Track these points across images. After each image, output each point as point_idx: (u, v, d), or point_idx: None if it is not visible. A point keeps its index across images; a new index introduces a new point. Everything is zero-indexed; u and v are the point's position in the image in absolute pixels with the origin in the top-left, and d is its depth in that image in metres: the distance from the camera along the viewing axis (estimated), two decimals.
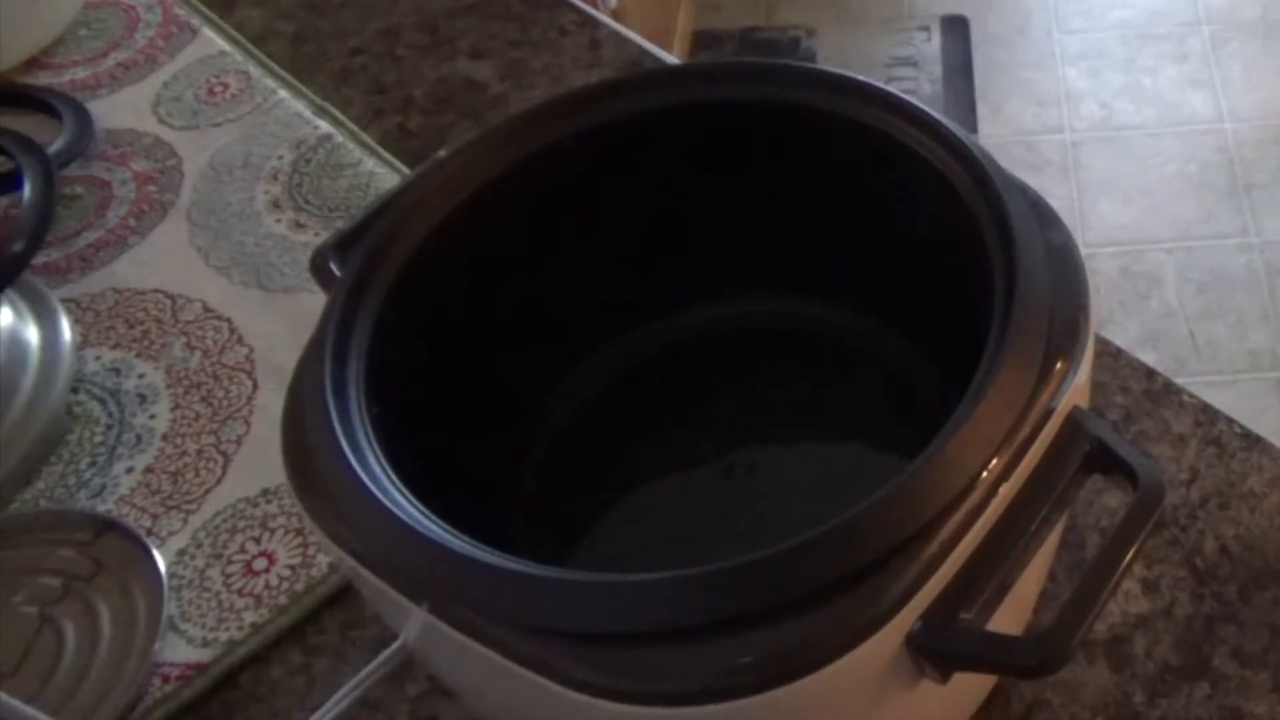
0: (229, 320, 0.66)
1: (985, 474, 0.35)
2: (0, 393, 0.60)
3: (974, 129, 2.11)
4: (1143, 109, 2.11)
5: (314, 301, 0.43)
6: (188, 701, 0.52)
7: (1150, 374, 0.60)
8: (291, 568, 0.56)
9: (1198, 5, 2.29)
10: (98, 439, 0.61)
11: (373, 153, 0.74)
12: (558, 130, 0.47)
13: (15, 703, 0.43)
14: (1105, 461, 0.38)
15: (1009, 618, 0.41)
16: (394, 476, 0.38)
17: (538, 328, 0.51)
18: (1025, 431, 0.36)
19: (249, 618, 0.54)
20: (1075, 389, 0.38)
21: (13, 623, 0.53)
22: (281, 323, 0.66)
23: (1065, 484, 0.38)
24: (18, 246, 0.64)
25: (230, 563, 0.56)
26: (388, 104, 0.79)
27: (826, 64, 2.19)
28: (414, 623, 0.37)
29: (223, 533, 0.57)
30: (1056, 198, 0.50)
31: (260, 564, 0.56)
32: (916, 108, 0.44)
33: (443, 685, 0.50)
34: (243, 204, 0.72)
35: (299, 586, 0.55)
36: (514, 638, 0.34)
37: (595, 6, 0.88)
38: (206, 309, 0.67)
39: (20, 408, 0.61)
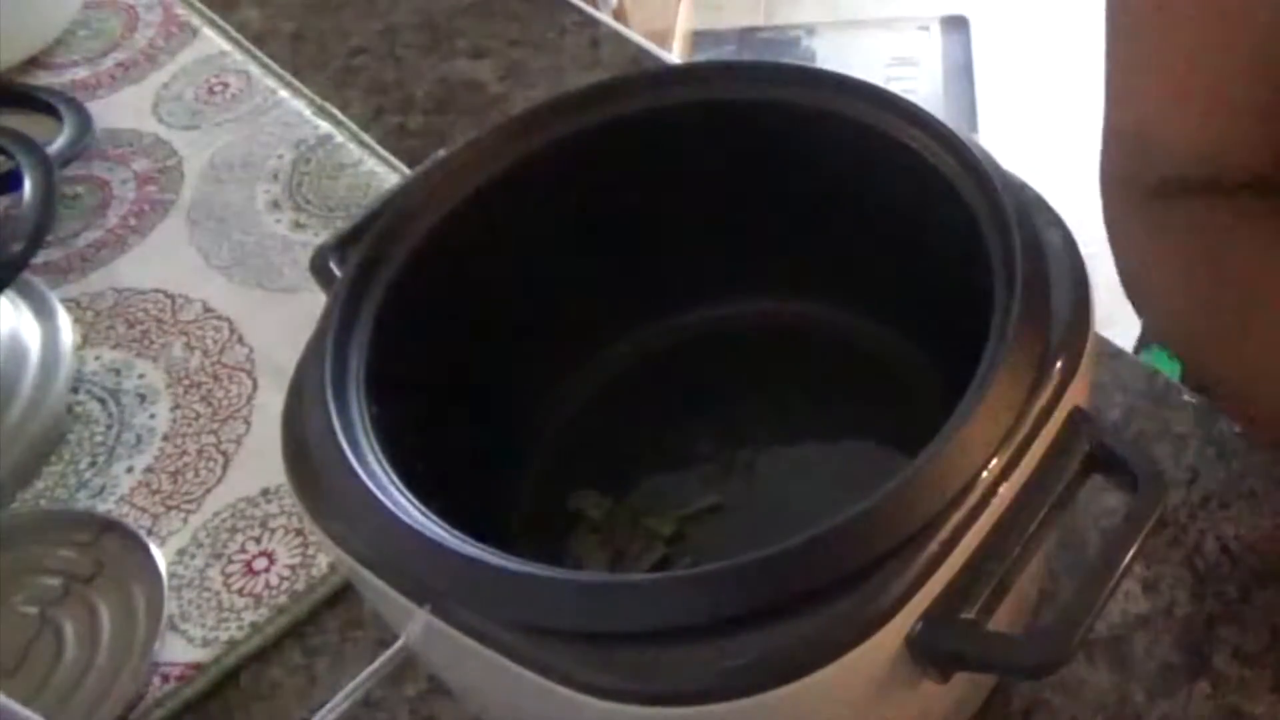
0: (229, 320, 0.66)
1: (985, 474, 0.35)
2: (0, 393, 0.60)
3: (974, 128, 2.11)
4: None
5: (314, 301, 0.43)
6: (188, 701, 0.52)
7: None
8: (291, 567, 0.56)
9: None
10: (98, 439, 0.61)
11: (373, 153, 0.74)
12: (558, 130, 0.47)
13: (13, 704, 0.43)
14: (1105, 461, 0.38)
15: (1009, 618, 0.41)
16: (394, 476, 0.38)
17: (537, 328, 0.51)
18: (1025, 431, 0.36)
19: (249, 617, 0.54)
20: (1075, 389, 0.38)
21: (13, 623, 0.53)
22: (281, 323, 0.66)
23: (1065, 484, 0.38)
24: (18, 246, 0.64)
25: (230, 562, 0.56)
26: (388, 104, 0.79)
27: (826, 64, 2.19)
28: (415, 623, 0.37)
29: (223, 532, 0.57)
30: (1057, 198, 0.50)
31: (260, 564, 0.56)
32: (915, 107, 0.44)
33: (443, 685, 0.50)
34: (243, 204, 0.72)
35: (299, 586, 0.55)
36: (514, 638, 0.34)
37: (595, 6, 0.88)
38: (206, 309, 0.67)
39: (20, 408, 0.61)
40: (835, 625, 0.33)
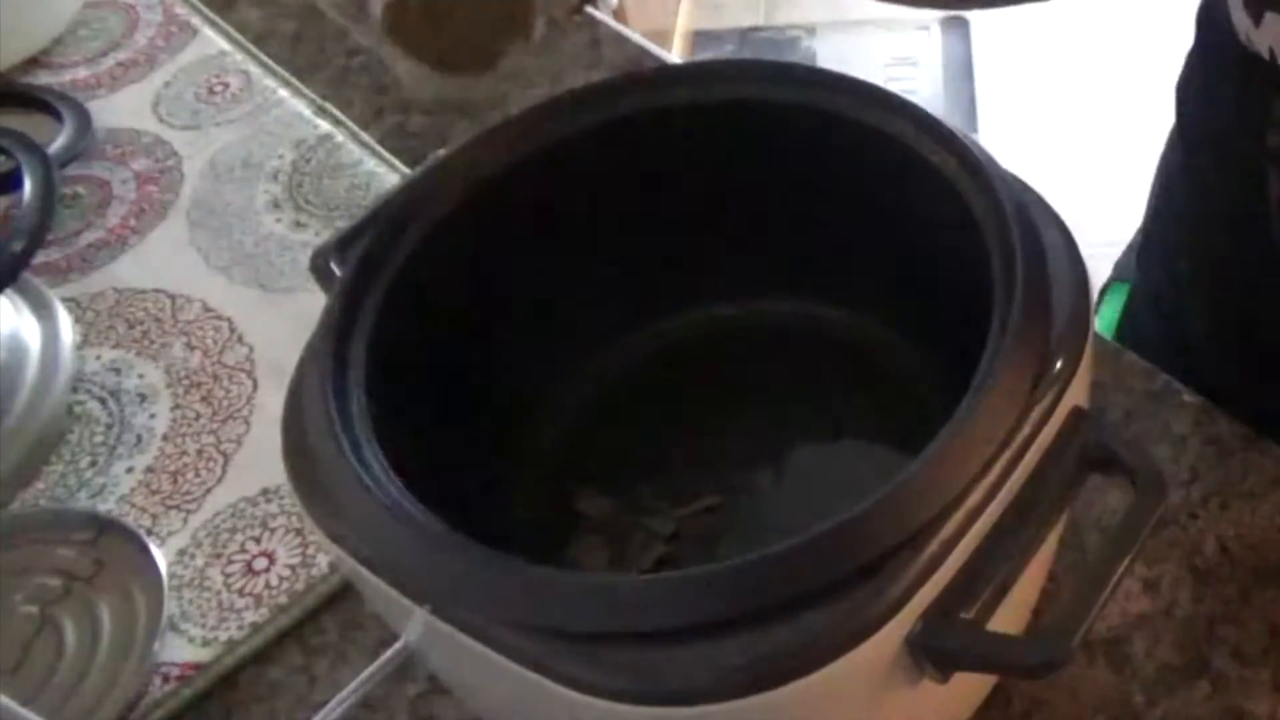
0: (229, 320, 0.66)
1: (985, 474, 0.35)
2: (0, 393, 0.60)
3: (974, 129, 2.11)
4: (1144, 108, 2.11)
5: (314, 301, 0.43)
6: (188, 701, 0.52)
7: (1150, 374, 0.60)
8: (291, 567, 0.56)
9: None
10: (98, 439, 0.61)
11: (373, 153, 0.74)
12: (558, 130, 0.47)
13: (13, 704, 0.43)
14: (1105, 461, 0.38)
15: (1009, 618, 0.41)
16: (394, 476, 0.38)
17: (537, 328, 0.51)
18: (1025, 431, 0.36)
19: (249, 617, 0.54)
20: (1075, 389, 0.38)
21: (13, 623, 0.53)
22: (281, 323, 0.66)
23: (1065, 484, 0.38)
24: (18, 246, 0.64)
25: (230, 562, 0.56)
26: (388, 104, 0.79)
27: (826, 64, 2.19)
28: (415, 623, 0.37)
29: (223, 532, 0.57)
30: (1057, 198, 0.50)
31: (260, 564, 0.56)
32: (915, 108, 0.44)
33: (443, 685, 0.50)
34: (243, 204, 0.72)
35: (299, 586, 0.55)
36: (514, 638, 0.34)
37: (595, 6, 0.88)
38: (206, 309, 0.67)
39: (20, 408, 0.61)
40: (835, 625, 0.33)
